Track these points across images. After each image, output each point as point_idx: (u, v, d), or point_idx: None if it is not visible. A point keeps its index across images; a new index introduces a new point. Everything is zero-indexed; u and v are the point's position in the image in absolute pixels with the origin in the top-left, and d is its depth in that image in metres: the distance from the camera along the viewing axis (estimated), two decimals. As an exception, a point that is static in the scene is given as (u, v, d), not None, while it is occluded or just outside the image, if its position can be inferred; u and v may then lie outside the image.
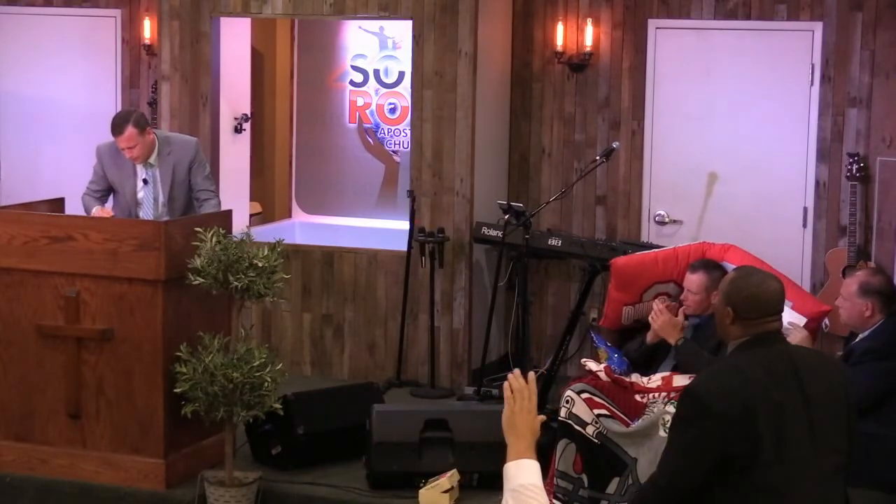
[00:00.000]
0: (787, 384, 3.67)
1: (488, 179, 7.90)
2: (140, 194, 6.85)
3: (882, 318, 5.45)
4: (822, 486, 3.67)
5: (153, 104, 8.60)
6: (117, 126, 6.71)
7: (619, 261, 6.34)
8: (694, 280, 5.99)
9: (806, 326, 5.78)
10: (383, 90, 9.00)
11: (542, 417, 3.29)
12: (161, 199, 6.82)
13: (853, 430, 3.77)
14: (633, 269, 6.23)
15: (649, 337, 6.06)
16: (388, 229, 8.54)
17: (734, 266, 6.00)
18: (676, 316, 5.97)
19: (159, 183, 6.83)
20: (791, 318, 5.64)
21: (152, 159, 6.80)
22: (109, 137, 6.79)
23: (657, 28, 7.88)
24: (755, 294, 3.75)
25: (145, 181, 6.82)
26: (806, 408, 3.66)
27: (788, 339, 4.19)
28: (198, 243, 5.83)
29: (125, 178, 6.85)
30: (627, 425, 5.54)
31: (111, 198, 7.00)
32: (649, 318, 6.03)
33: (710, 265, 6.02)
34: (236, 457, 6.10)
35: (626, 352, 6.12)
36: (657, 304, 6.04)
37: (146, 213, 6.84)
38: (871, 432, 5.10)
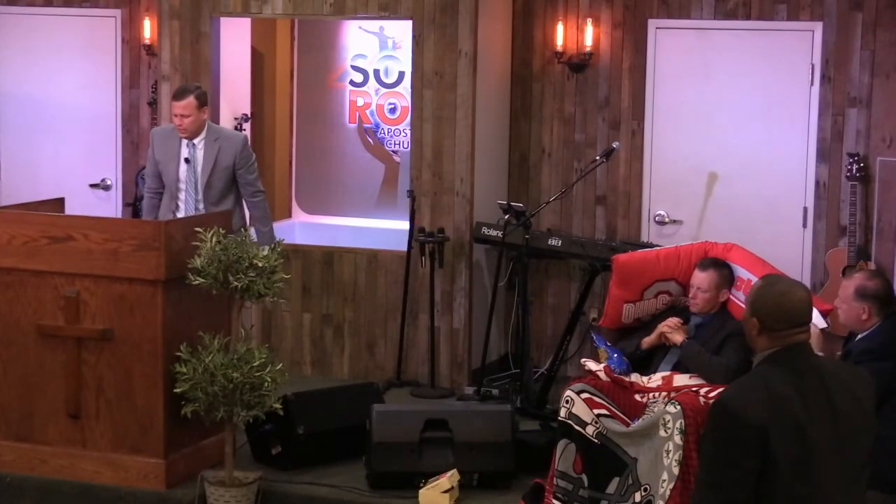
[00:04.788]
0: (816, 402, 3.59)
1: (488, 179, 7.90)
2: (182, 175, 7.00)
3: (879, 320, 5.45)
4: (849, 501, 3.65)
5: (153, 104, 8.60)
6: (180, 92, 6.95)
7: (621, 257, 6.33)
8: (704, 278, 5.97)
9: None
10: (383, 90, 9.00)
11: None
12: (200, 181, 6.96)
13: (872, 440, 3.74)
14: (635, 265, 6.22)
15: (646, 342, 6.05)
16: (388, 229, 8.54)
17: (738, 265, 6.03)
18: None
19: (199, 164, 6.96)
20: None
21: (197, 140, 6.95)
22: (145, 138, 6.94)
23: (657, 28, 7.88)
24: (780, 303, 3.60)
25: (187, 160, 6.95)
26: (834, 426, 3.59)
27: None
28: (198, 243, 5.83)
29: (170, 160, 7.02)
30: (627, 425, 5.55)
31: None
32: (663, 332, 6.00)
33: (718, 263, 6.01)
34: (236, 457, 6.10)
35: (622, 351, 6.11)
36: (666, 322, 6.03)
37: (188, 194, 6.97)
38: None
